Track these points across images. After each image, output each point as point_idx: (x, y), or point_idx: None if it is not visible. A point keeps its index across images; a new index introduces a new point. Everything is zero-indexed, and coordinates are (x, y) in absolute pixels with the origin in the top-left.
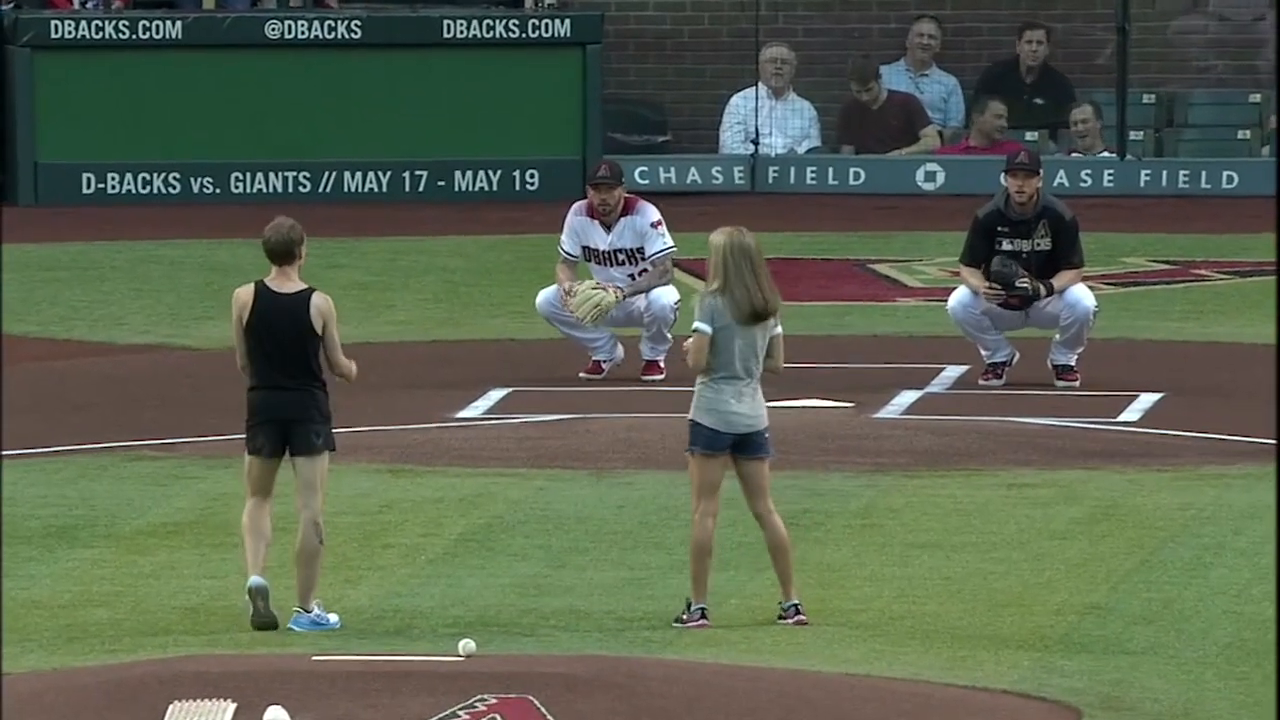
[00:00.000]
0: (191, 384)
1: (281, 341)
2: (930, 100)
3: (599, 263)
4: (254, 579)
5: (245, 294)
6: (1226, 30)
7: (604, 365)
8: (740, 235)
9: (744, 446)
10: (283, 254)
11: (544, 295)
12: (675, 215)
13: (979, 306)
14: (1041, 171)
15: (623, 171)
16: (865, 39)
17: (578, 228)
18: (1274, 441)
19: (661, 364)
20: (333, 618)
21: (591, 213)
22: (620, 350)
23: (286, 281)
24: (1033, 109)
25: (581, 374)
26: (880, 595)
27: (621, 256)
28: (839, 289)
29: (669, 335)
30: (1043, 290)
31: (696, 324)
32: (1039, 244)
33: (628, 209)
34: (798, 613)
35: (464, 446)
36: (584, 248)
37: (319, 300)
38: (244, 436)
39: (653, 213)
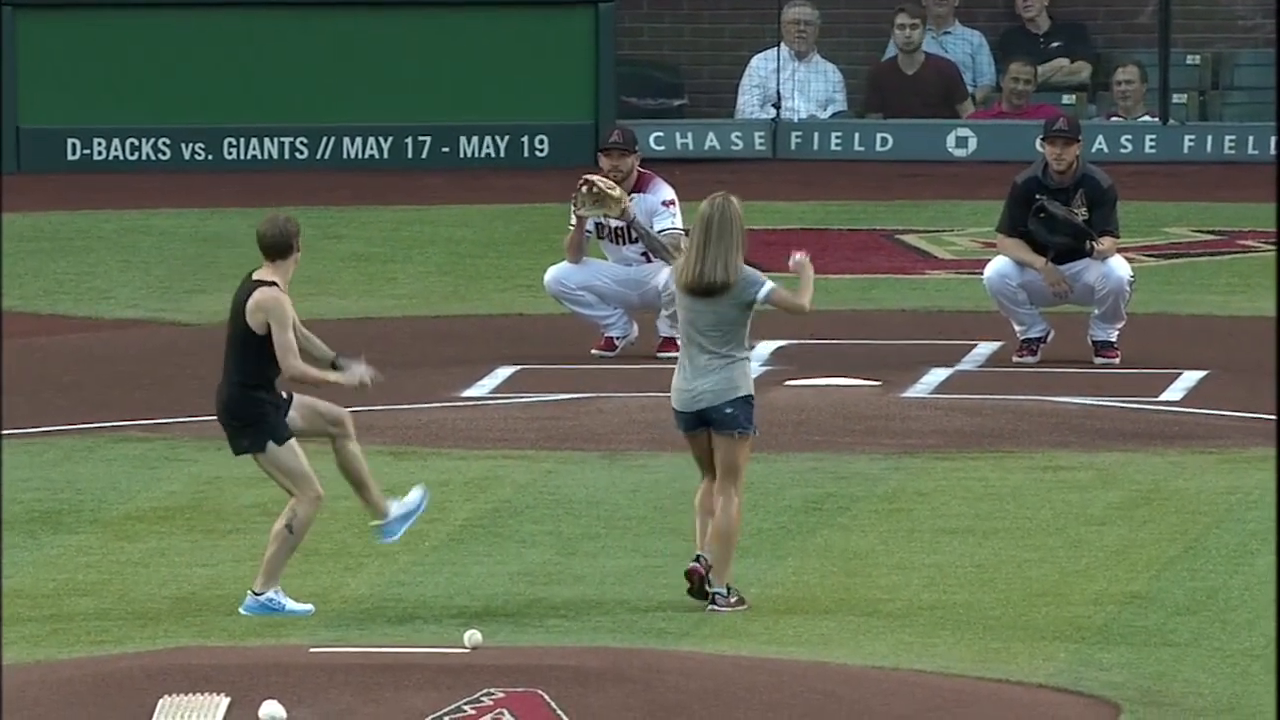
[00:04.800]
0: (182, 361)
1: (228, 336)
2: (956, 60)
3: (611, 240)
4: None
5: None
6: None
7: (617, 342)
8: (710, 205)
9: (709, 422)
10: (276, 249)
11: (553, 272)
12: (692, 183)
13: (1017, 278)
14: (1081, 138)
15: (636, 139)
16: None
17: None
18: None
19: (679, 341)
20: (300, 606)
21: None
22: (635, 327)
23: (272, 273)
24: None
25: (594, 350)
26: (908, 584)
27: (634, 233)
28: (865, 261)
29: None
30: (1087, 235)
31: None
32: (1077, 213)
33: (641, 185)
34: (719, 600)
35: (470, 427)
36: (596, 223)
37: (258, 296)
38: None
39: (666, 191)
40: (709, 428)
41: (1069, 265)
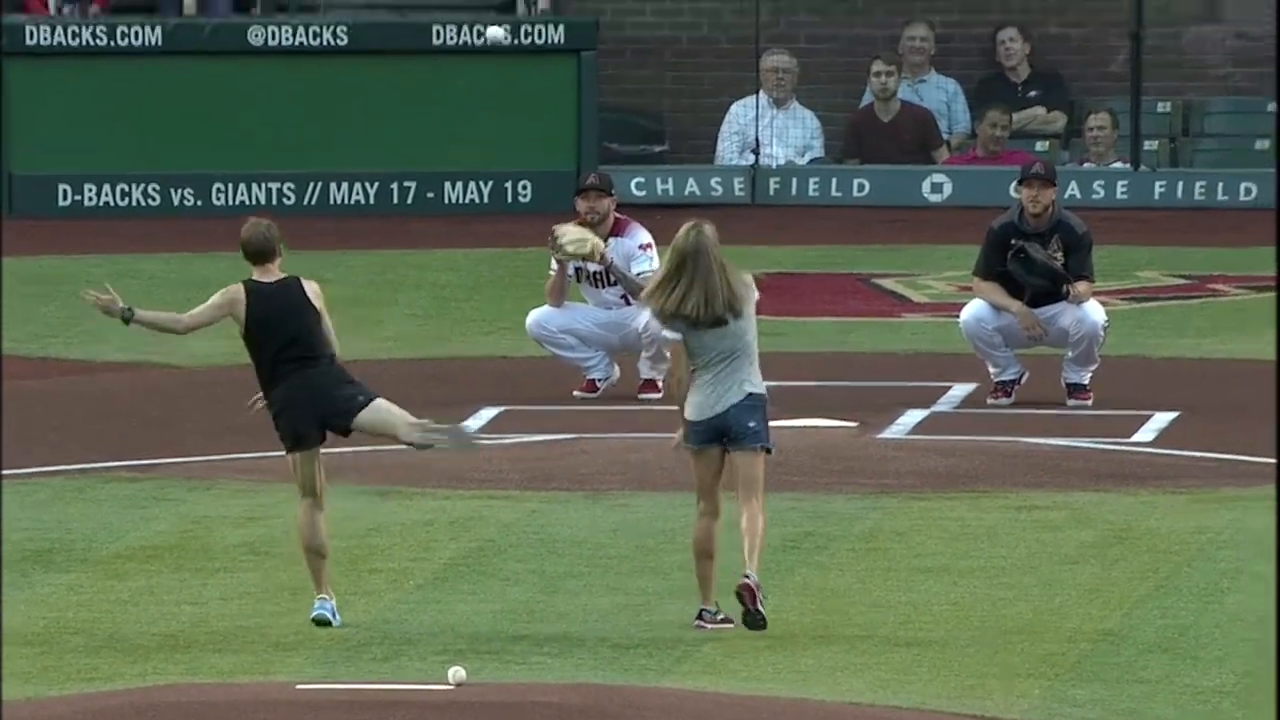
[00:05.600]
0: (171, 403)
1: (285, 332)
2: (932, 108)
3: (591, 283)
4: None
5: (234, 290)
6: (1245, 38)
7: (599, 384)
8: (683, 240)
9: (729, 436)
10: (261, 253)
11: (534, 316)
12: (672, 228)
13: (993, 322)
14: (1056, 183)
15: (613, 183)
16: (869, 46)
17: None
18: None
19: (659, 382)
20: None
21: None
22: (616, 369)
23: (273, 273)
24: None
25: (576, 392)
26: (885, 621)
27: (613, 277)
28: (843, 305)
29: (668, 355)
30: (1064, 280)
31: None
32: (1054, 258)
33: (619, 230)
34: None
35: (454, 467)
36: (575, 267)
37: (312, 284)
38: (280, 436)
39: (643, 235)
40: (724, 442)
41: (1044, 309)
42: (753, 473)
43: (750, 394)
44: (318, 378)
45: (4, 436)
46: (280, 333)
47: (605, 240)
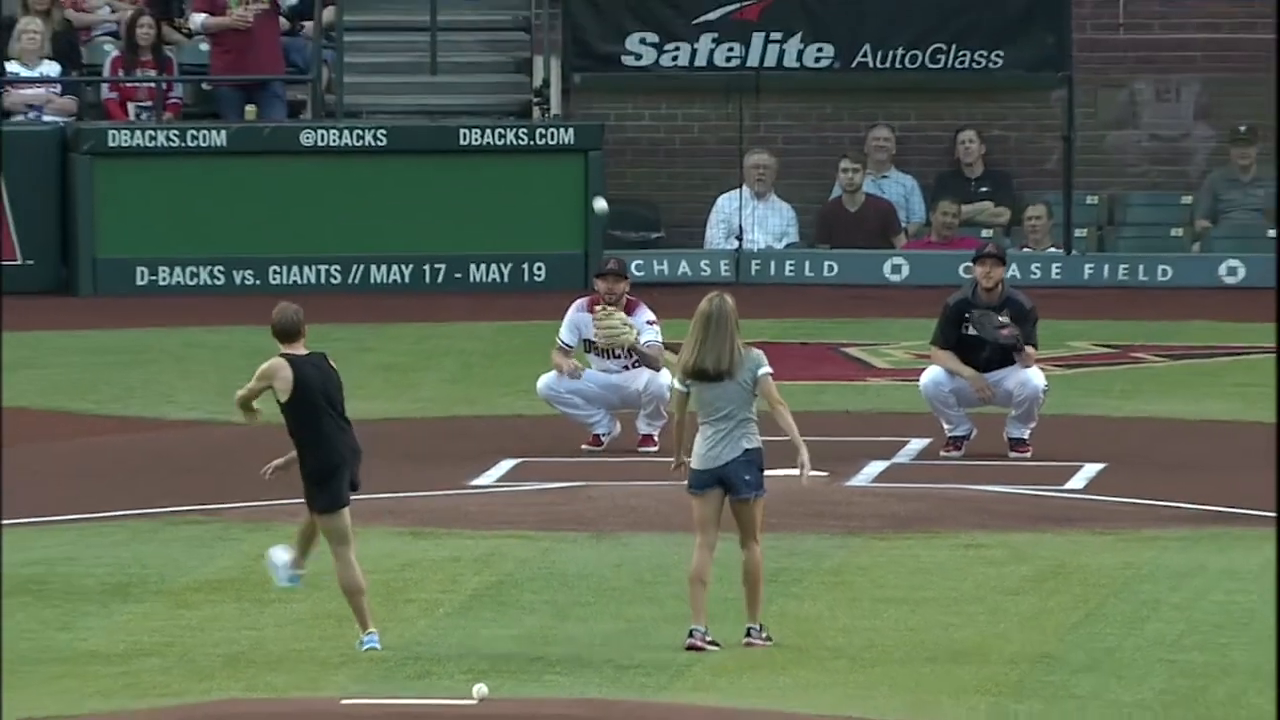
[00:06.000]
0: (233, 456)
1: (328, 400)
2: (892, 200)
3: (597, 355)
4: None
5: (278, 363)
6: (1160, 139)
7: (603, 438)
8: (707, 303)
9: (726, 486)
10: (291, 333)
11: (543, 380)
12: (667, 303)
13: (948, 385)
14: (1006, 262)
15: (629, 268)
16: (838, 146)
17: (579, 321)
18: (1207, 507)
19: (655, 437)
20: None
21: (590, 308)
22: (617, 425)
23: (302, 349)
24: (981, 202)
25: (583, 446)
26: (851, 645)
27: (618, 350)
28: (816, 370)
29: (664, 412)
30: (1016, 344)
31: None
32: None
33: (629, 309)
34: (754, 635)
35: (478, 511)
36: (584, 340)
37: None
38: (320, 501)
39: (648, 313)
40: (723, 488)
41: (992, 374)
42: (749, 519)
43: (747, 450)
44: (352, 442)
45: (90, 484)
46: (322, 399)
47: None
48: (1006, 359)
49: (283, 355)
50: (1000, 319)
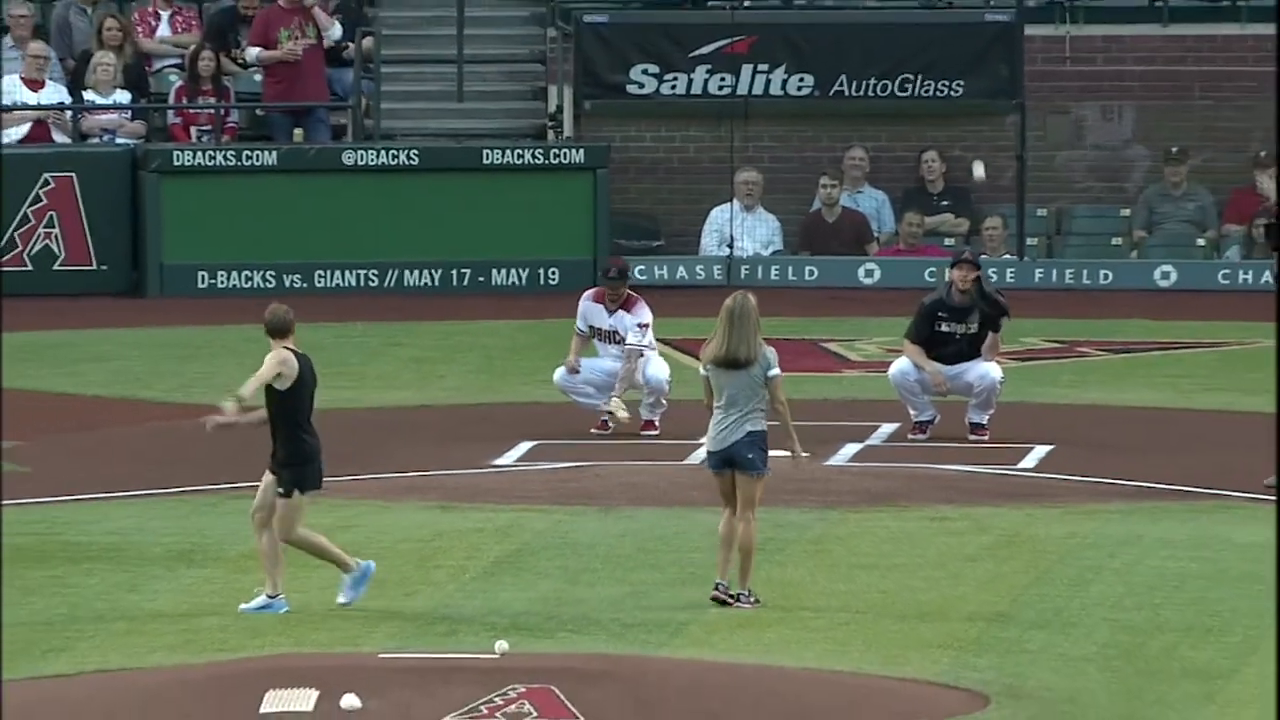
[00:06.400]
0: None
1: (312, 395)
2: (865, 212)
3: (600, 339)
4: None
5: (289, 355)
6: (1102, 159)
7: (609, 424)
8: (732, 299)
9: (734, 464)
10: (286, 330)
11: (558, 372)
12: (665, 304)
13: (914, 375)
14: (980, 267)
15: (629, 270)
16: (818, 165)
17: (585, 311)
18: (1143, 484)
19: (657, 423)
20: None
21: (597, 299)
22: (626, 413)
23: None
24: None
25: (592, 430)
26: (830, 606)
27: (616, 336)
28: (798, 363)
29: (665, 402)
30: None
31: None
32: (970, 328)
33: (628, 305)
34: (743, 599)
35: (499, 488)
36: (590, 326)
37: None
38: (301, 479)
39: (644, 314)
40: (733, 468)
41: (956, 367)
42: (748, 493)
43: (750, 433)
44: (318, 440)
45: (157, 465)
46: (308, 396)
47: (617, 309)
48: (971, 354)
49: (292, 349)
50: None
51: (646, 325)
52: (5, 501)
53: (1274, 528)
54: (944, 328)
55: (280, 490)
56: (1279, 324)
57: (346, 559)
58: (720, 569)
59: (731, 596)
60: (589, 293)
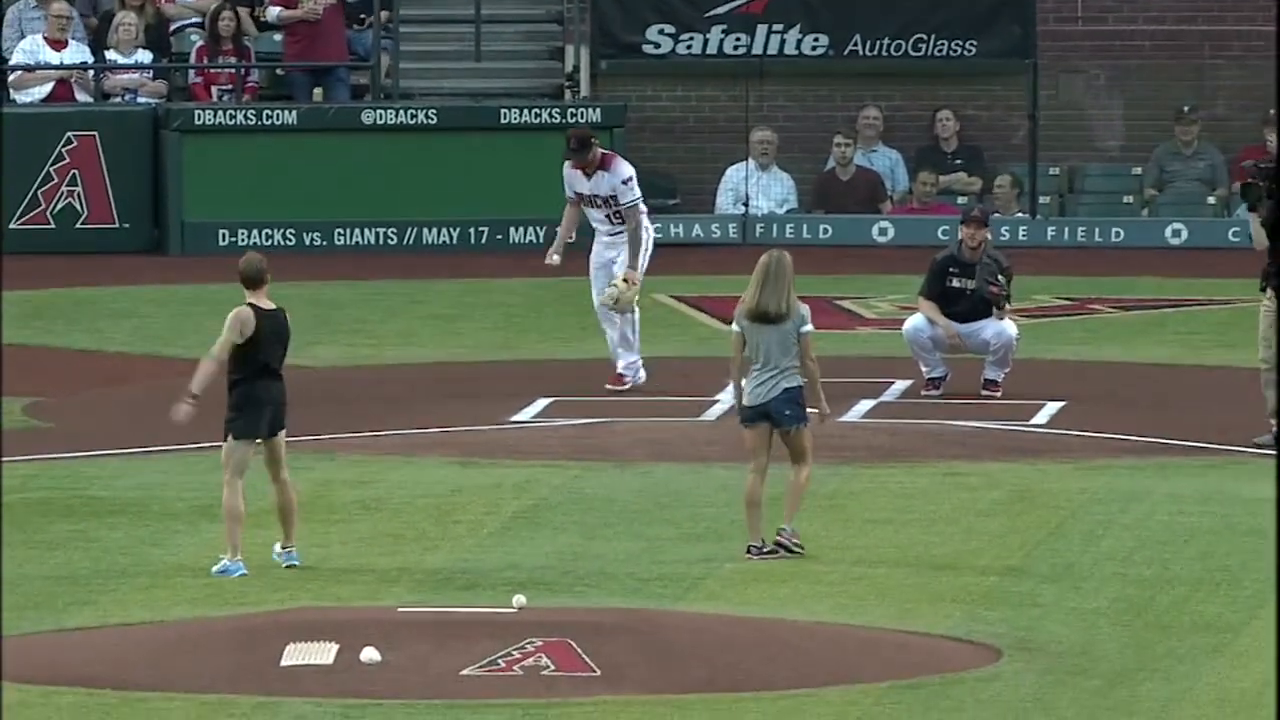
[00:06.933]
0: (304, 395)
1: (277, 346)
2: (880, 171)
3: (585, 204)
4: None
5: (246, 313)
6: (1116, 115)
7: (627, 380)
8: (768, 256)
9: (771, 419)
10: (257, 281)
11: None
12: (681, 263)
13: (927, 331)
14: (989, 225)
15: (589, 139)
16: (832, 124)
17: (568, 178)
18: (1153, 439)
19: (628, 378)
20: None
21: (576, 164)
22: (643, 374)
23: (266, 300)
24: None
25: (607, 386)
26: (844, 560)
27: (599, 200)
28: (813, 320)
29: (634, 339)
30: (999, 302)
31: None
32: (984, 284)
33: (605, 164)
34: (783, 534)
35: (517, 443)
36: (575, 193)
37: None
38: (235, 425)
39: (626, 169)
40: (769, 421)
41: (972, 324)
42: (796, 445)
43: (786, 389)
44: (277, 393)
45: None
46: (265, 351)
47: (594, 172)
48: (983, 311)
49: (249, 305)
50: (999, 278)
51: (631, 179)
52: (30, 457)
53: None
54: (955, 283)
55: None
56: (1261, 281)
57: (234, 546)
58: (751, 531)
59: (771, 552)
60: (570, 161)
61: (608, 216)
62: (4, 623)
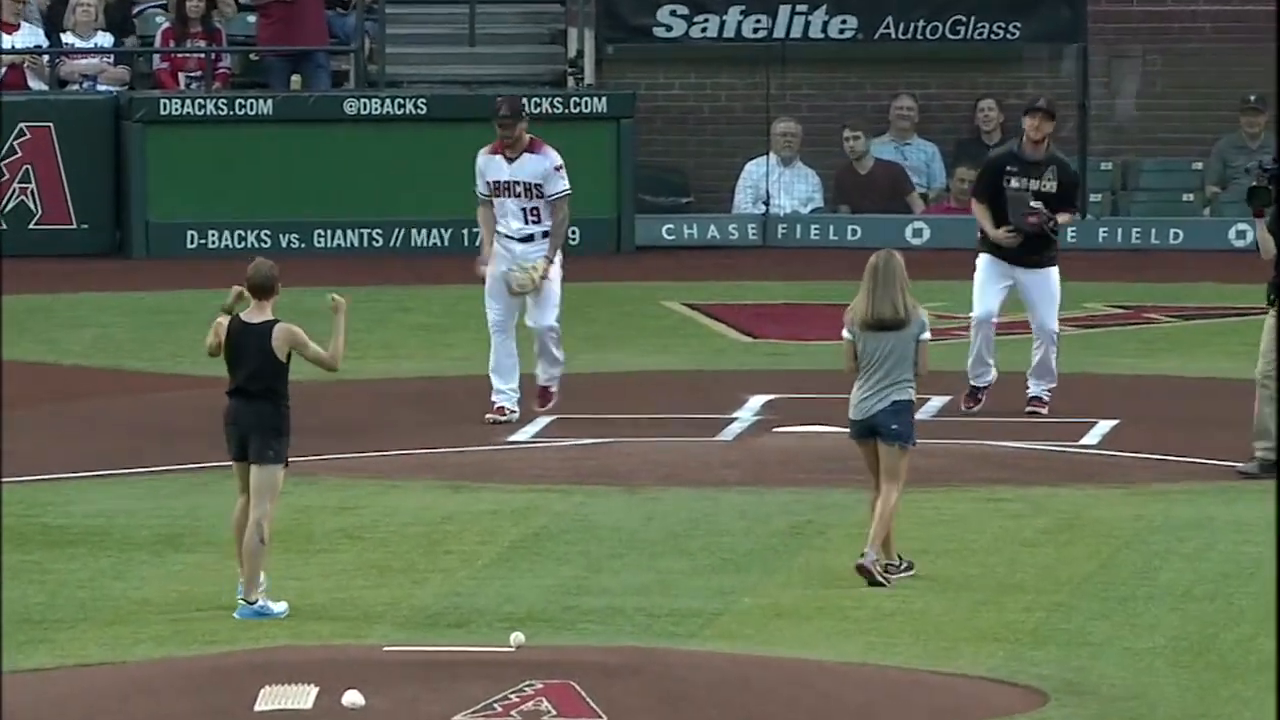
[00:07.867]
0: None
1: (248, 362)
2: (914, 166)
3: (499, 194)
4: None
5: (220, 324)
6: (1173, 106)
7: (508, 410)
8: (876, 256)
9: (877, 434)
10: (265, 290)
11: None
12: (696, 267)
13: (996, 316)
14: (1056, 118)
15: (523, 107)
16: (861, 114)
17: (482, 167)
18: (1215, 462)
19: (553, 390)
20: (278, 607)
21: (494, 150)
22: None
23: (261, 313)
24: None
25: (487, 416)
26: (875, 594)
27: (519, 189)
28: (839, 331)
29: (558, 354)
30: (1050, 220)
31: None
32: (1046, 185)
33: (534, 148)
34: (891, 569)
35: (514, 466)
36: (489, 183)
37: (279, 330)
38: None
39: (555, 157)
40: (876, 437)
41: (1027, 270)
42: (890, 464)
43: (895, 401)
44: (250, 415)
45: (146, 440)
46: (239, 367)
47: (518, 156)
48: (1037, 238)
49: (232, 320)
50: (1032, 205)
51: (561, 167)
52: None
53: None
54: (1014, 184)
55: None
56: (1269, 292)
57: (249, 579)
58: (886, 551)
59: (882, 575)
60: (483, 149)
61: (524, 211)
62: None
